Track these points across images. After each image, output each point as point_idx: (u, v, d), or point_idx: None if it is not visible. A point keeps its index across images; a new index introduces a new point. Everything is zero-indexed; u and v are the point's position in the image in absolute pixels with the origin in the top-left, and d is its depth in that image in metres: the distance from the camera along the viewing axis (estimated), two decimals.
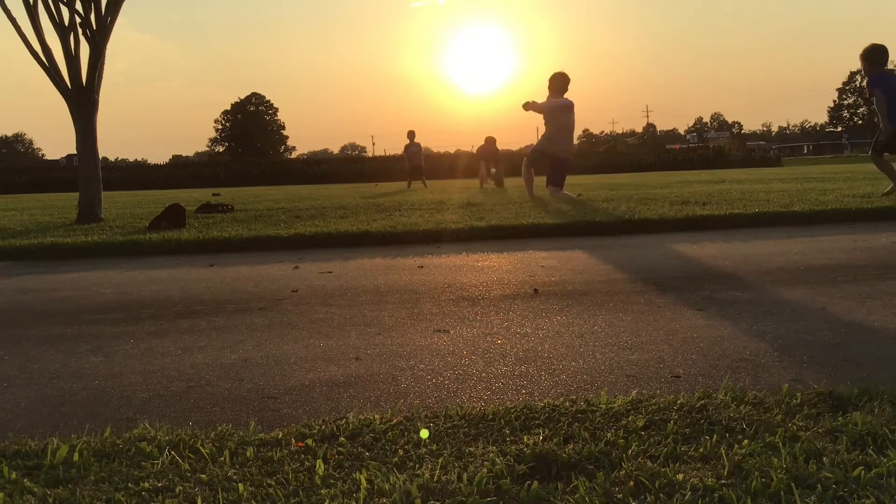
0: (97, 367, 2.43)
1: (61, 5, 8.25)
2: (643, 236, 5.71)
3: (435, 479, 1.37)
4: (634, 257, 4.61)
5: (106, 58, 8.45)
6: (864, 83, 8.81)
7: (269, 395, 2.09)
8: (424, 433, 1.61)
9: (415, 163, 18.81)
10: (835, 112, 79.52)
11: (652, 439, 1.52)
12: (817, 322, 2.72)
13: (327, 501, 1.31)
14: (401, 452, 1.51)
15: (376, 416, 1.72)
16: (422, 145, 19.50)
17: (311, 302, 3.44)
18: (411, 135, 18.69)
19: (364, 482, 1.36)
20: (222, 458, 1.51)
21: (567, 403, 1.76)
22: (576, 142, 10.91)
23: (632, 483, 1.32)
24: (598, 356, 2.36)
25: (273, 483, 1.38)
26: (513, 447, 1.50)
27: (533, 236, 5.85)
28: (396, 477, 1.38)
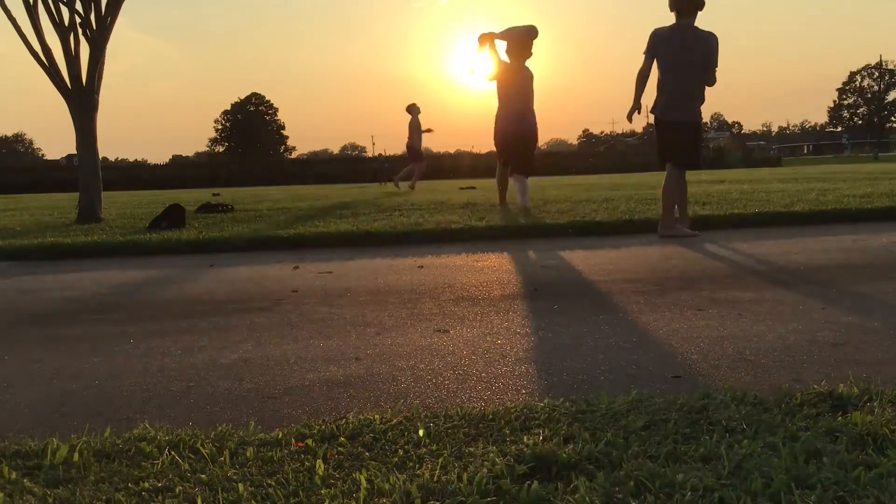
0: (97, 367, 2.43)
1: (61, 5, 8.24)
2: (643, 236, 5.71)
3: (435, 479, 1.37)
4: (634, 257, 4.61)
5: (106, 58, 8.45)
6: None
7: (269, 395, 2.09)
8: (423, 432, 1.61)
9: (413, 142, 14.18)
10: (835, 112, 79.55)
11: (652, 439, 1.52)
12: (817, 322, 2.72)
13: (327, 501, 1.31)
14: (401, 452, 1.51)
15: (376, 417, 1.72)
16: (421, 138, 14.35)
17: (311, 302, 3.44)
18: (413, 109, 14.08)
19: (364, 482, 1.36)
20: (222, 458, 1.51)
21: (567, 403, 1.76)
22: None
23: (632, 483, 1.32)
24: (598, 356, 2.36)
25: (273, 483, 1.38)
26: (513, 447, 1.50)
27: (533, 236, 5.85)
28: (396, 477, 1.38)
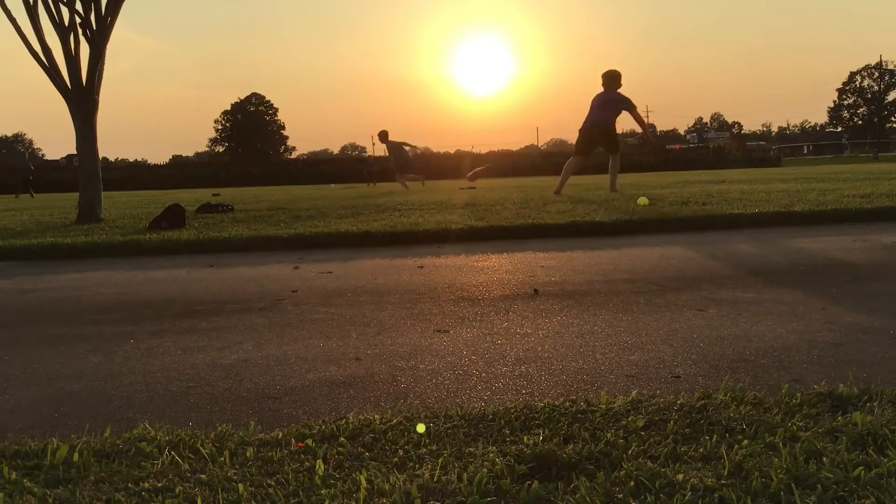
0: (97, 367, 2.43)
1: (61, 5, 8.25)
2: (643, 236, 5.71)
3: (435, 479, 1.37)
4: (634, 257, 4.61)
5: (106, 59, 8.45)
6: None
7: (269, 395, 2.09)
8: (421, 428, 1.61)
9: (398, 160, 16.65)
10: (835, 112, 79.58)
11: (652, 439, 1.52)
12: (817, 322, 2.72)
13: (327, 502, 1.31)
14: (401, 453, 1.51)
15: (376, 417, 1.72)
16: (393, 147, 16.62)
17: (311, 302, 3.44)
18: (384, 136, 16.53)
19: (364, 482, 1.36)
20: (222, 459, 1.50)
21: (567, 403, 1.76)
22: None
23: (632, 483, 1.32)
24: (598, 356, 2.36)
25: (273, 483, 1.38)
26: (513, 447, 1.50)
27: (533, 236, 5.85)
28: (396, 477, 1.38)
